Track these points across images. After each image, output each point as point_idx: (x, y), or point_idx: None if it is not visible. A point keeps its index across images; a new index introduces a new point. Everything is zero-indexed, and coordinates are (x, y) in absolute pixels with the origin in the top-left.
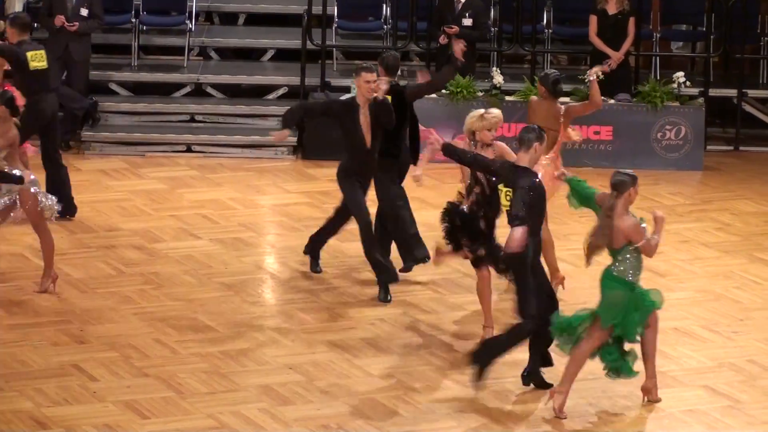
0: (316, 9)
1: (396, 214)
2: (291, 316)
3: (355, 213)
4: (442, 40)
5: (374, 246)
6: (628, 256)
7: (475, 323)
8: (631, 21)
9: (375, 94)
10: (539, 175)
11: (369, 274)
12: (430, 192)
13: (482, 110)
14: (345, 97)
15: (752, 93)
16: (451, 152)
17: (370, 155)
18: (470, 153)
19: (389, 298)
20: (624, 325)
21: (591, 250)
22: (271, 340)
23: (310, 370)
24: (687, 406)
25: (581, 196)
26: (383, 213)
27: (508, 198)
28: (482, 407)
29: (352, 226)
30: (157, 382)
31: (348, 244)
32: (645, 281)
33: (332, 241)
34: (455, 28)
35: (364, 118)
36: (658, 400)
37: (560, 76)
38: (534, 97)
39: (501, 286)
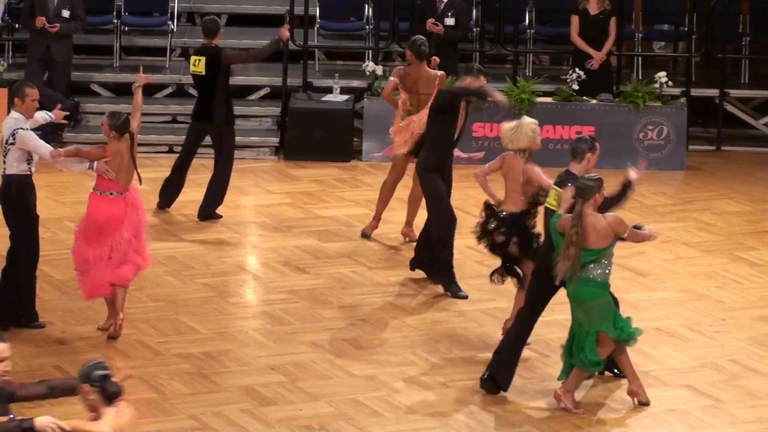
0: (298, 9)
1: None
2: (273, 316)
3: (443, 211)
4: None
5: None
6: (610, 255)
7: (456, 323)
8: (613, 21)
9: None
10: None
11: (351, 275)
12: None
13: (517, 122)
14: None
15: (734, 93)
16: None
17: (452, 148)
18: None
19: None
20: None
21: (562, 274)
22: (253, 341)
23: (292, 370)
24: (669, 405)
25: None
26: None
27: (555, 199)
28: (464, 408)
29: (335, 227)
30: (139, 383)
31: (330, 244)
32: (626, 281)
33: (313, 242)
34: (441, 27)
35: (462, 113)
36: (648, 402)
37: (424, 40)
38: (400, 67)
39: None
